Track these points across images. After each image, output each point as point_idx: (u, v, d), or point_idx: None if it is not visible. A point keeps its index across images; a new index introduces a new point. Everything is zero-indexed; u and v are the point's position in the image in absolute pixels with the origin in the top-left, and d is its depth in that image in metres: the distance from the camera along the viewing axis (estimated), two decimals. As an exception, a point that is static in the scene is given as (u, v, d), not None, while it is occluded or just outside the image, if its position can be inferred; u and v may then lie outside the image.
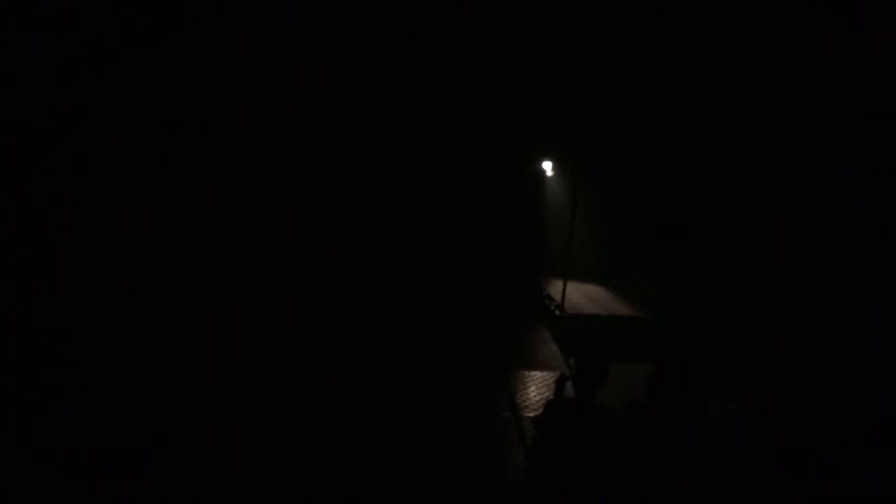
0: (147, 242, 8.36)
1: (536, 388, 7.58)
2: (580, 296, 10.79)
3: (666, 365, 3.47)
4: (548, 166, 13.16)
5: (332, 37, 9.10)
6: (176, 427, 5.39)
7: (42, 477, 4.46)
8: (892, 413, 5.35)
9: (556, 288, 10.40)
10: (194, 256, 8.66)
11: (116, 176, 8.45)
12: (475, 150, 11.78)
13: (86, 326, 7.25)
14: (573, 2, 8.92)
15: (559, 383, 3.40)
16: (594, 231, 12.34)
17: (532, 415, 6.47)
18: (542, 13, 9.03)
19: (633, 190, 11.55)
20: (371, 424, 5.76)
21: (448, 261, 11.03)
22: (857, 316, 6.77)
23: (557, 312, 9.85)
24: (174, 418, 5.56)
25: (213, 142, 9.06)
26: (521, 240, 13.12)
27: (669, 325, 9.25)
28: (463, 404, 6.68)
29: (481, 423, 6.27)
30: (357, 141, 10.19)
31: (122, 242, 8.21)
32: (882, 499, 4.19)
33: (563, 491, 3.23)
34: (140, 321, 7.55)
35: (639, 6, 8.64)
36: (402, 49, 9.50)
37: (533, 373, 8.14)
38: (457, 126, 11.18)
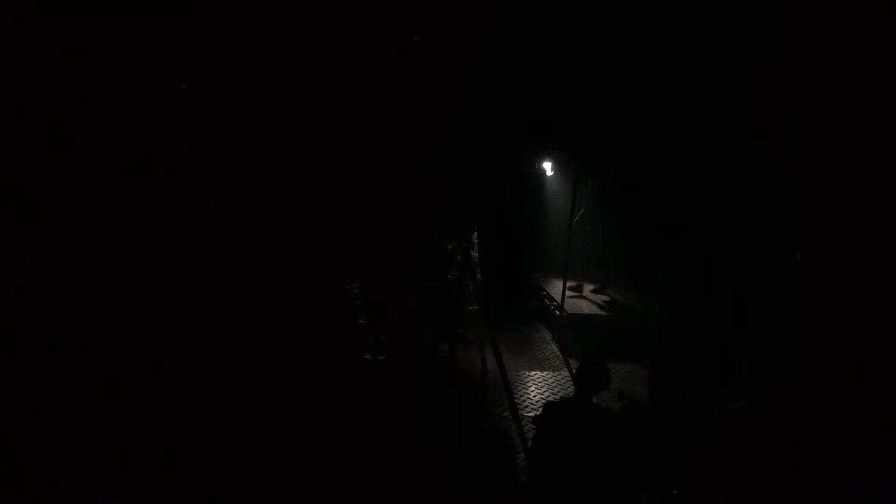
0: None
1: (536, 388, 7.59)
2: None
3: (666, 365, 3.48)
4: (548, 166, 13.14)
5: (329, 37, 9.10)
6: (174, 426, 5.40)
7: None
8: (892, 413, 5.35)
9: (556, 288, 10.38)
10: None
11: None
12: (473, 150, 11.78)
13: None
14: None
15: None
16: (595, 231, 12.33)
17: (532, 415, 6.48)
18: (544, 10, 9.00)
19: (634, 189, 11.52)
20: (370, 424, 5.77)
21: (447, 260, 11.02)
22: (860, 316, 6.76)
23: (557, 312, 9.84)
24: (172, 418, 5.56)
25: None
26: (521, 240, 13.09)
27: (671, 325, 9.23)
28: (462, 404, 6.68)
29: (481, 423, 6.28)
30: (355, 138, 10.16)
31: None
32: (881, 498, 4.19)
33: (563, 491, 3.23)
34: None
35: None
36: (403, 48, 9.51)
37: (533, 373, 8.15)
38: (456, 125, 11.18)
